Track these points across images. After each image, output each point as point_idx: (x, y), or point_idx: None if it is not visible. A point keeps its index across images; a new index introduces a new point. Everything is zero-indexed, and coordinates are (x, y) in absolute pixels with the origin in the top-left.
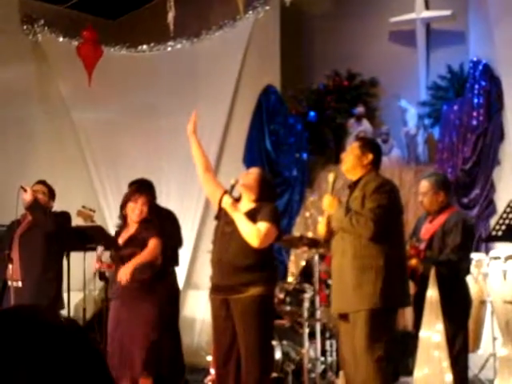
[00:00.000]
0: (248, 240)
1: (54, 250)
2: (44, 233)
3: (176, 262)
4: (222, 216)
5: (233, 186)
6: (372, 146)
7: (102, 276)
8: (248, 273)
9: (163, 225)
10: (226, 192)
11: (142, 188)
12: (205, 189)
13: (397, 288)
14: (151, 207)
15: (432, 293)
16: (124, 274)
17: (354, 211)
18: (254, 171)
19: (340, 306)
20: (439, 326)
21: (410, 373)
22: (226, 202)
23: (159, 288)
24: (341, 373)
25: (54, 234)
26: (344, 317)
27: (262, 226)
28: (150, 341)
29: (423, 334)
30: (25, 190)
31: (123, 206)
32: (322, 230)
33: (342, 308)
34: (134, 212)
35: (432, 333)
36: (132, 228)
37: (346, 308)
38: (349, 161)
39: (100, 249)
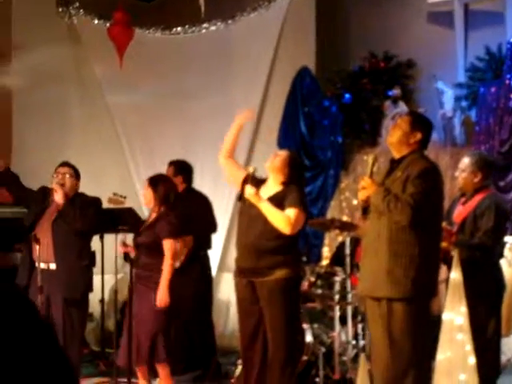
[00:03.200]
0: (279, 227)
1: (88, 237)
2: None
3: (208, 246)
4: (247, 199)
5: (252, 174)
6: (423, 125)
7: (127, 257)
8: (274, 255)
9: (190, 211)
10: (246, 180)
11: (153, 177)
12: (226, 172)
13: (429, 277)
14: (165, 194)
15: (455, 275)
16: (161, 299)
17: (394, 195)
18: (282, 153)
19: (371, 289)
20: (463, 309)
21: None
22: (250, 193)
23: (191, 272)
24: (362, 356)
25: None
26: (375, 299)
27: (292, 212)
28: (156, 328)
29: (446, 316)
30: (55, 191)
31: None
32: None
33: (374, 291)
34: (144, 199)
35: (455, 315)
36: (152, 216)
37: (377, 292)
38: (395, 135)
39: (122, 236)
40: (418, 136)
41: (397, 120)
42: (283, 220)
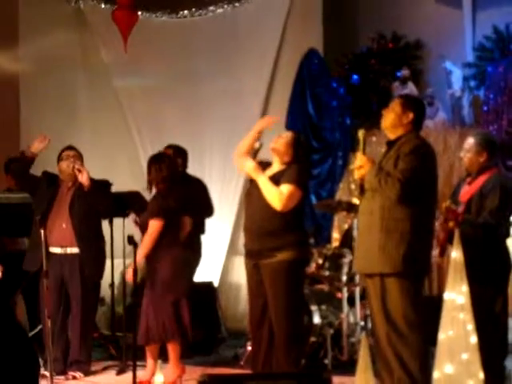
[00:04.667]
0: (272, 203)
1: (100, 219)
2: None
3: (202, 231)
4: (251, 180)
5: (257, 150)
6: (414, 105)
7: (130, 240)
8: (277, 237)
9: (187, 194)
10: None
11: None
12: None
13: (421, 253)
14: (161, 178)
15: (456, 254)
16: (128, 274)
17: (385, 172)
18: (286, 135)
19: (365, 266)
20: (464, 288)
21: None
22: (249, 166)
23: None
24: (363, 334)
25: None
26: (370, 276)
27: (285, 188)
28: (164, 306)
29: (447, 296)
30: (80, 171)
31: None
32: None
33: (367, 268)
34: None
35: (456, 295)
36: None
37: (370, 268)
38: (389, 118)
39: (132, 214)
40: (411, 116)
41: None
42: (275, 195)
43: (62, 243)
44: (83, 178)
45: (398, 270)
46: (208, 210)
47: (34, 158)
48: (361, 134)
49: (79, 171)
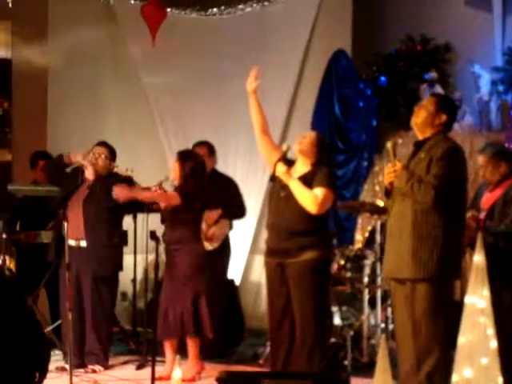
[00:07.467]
0: (306, 207)
1: (119, 215)
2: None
3: (230, 227)
4: (277, 180)
5: (285, 153)
6: (448, 107)
7: (152, 235)
8: (304, 237)
9: (222, 194)
10: (280, 159)
11: (182, 152)
12: (260, 151)
13: (453, 258)
14: (185, 174)
15: (478, 258)
16: (120, 190)
17: (417, 177)
18: (311, 135)
19: (396, 271)
20: (485, 293)
21: None
22: (281, 170)
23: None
24: (382, 337)
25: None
26: (399, 281)
27: (319, 191)
28: (183, 301)
29: (468, 300)
30: (86, 168)
31: None
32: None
33: (398, 273)
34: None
35: (478, 299)
36: None
37: (402, 273)
38: (420, 116)
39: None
40: (443, 118)
41: (422, 102)
42: (310, 199)
43: (76, 236)
44: (87, 174)
45: (431, 275)
46: (240, 210)
47: (69, 164)
48: (390, 145)
49: (85, 167)
